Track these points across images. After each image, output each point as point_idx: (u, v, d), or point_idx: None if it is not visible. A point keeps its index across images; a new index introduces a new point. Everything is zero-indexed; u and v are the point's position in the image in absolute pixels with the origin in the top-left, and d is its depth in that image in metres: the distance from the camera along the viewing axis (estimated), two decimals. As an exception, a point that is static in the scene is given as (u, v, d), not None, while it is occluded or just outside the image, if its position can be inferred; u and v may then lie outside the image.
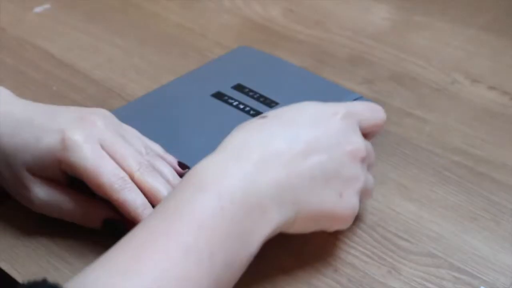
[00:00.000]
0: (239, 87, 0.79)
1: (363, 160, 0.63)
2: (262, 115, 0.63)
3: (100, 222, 0.66)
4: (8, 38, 0.93)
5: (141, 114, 0.76)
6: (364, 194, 0.64)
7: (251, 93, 0.78)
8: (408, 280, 0.64)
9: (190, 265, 0.54)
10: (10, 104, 0.68)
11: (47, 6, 0.98)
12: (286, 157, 0.59)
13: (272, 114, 0.63)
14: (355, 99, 0.78)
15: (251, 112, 0.76)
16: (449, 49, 0.92)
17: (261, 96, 0.78)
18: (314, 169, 0.60)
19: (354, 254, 0.66)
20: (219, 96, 0.78)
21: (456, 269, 0.65)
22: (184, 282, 0.53)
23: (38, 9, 0.98)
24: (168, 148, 0.70)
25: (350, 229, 0.68)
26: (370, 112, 0.66)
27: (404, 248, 0.67)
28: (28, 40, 0.92)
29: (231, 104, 0.77)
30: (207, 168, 0.58)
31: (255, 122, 0.62)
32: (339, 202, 0.61)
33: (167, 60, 0.82)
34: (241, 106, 0.77)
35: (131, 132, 0.69)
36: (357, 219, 0.69)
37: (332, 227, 0.64)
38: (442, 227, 0.69)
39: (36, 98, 0.81)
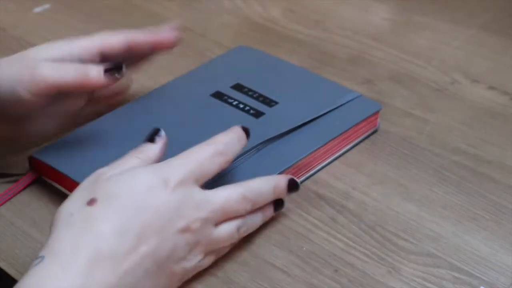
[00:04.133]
0: (238, 87, 0.79)
1: (199, 230, 0.61)
2: (92, 197, 0.59)
3: (103, 73, 0.69)
4: (8, 38, 0.93)
5: (140, 115, 0.76)
6: (213, 254, 0.63)
7: (250, 93, 0.78)
8: (408, 280, 0.64)
9: None
10: None
11: (47, 6, 0.98)
12: (116, 257, 0.57)
13: (101, 197, 0.59)
14: (355, 98, 0.78)
15: (251, 111, 0.76)
16: (449, 49, 0.92)
17: (261, 95, 0.78)
18: (145, 261, 0.58)
19: (354, 254, 0.66)
20: (218, 96, 0.78)
21: (456, 269, 0.65)
22: None
23: (38, 9, 0.98)
24: (167, 148, 0.70)
25: (350, 229, 0.68)
26: (209, 158, 0.64)
27: (404, 248, 0.67)
28: (28, 40, 0.92)
29: (230, 103, 0.77)
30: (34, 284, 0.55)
31: (83, 212, 0.59)
32: (178, 281, 0.61)
33: (167, 60, 0.82)
34: (241, 106, 0.76)
35: None
36: (357, 219, 0.69)
37: None
38: (442, 227, 0.69)
39: (36, 98, 0.81)
